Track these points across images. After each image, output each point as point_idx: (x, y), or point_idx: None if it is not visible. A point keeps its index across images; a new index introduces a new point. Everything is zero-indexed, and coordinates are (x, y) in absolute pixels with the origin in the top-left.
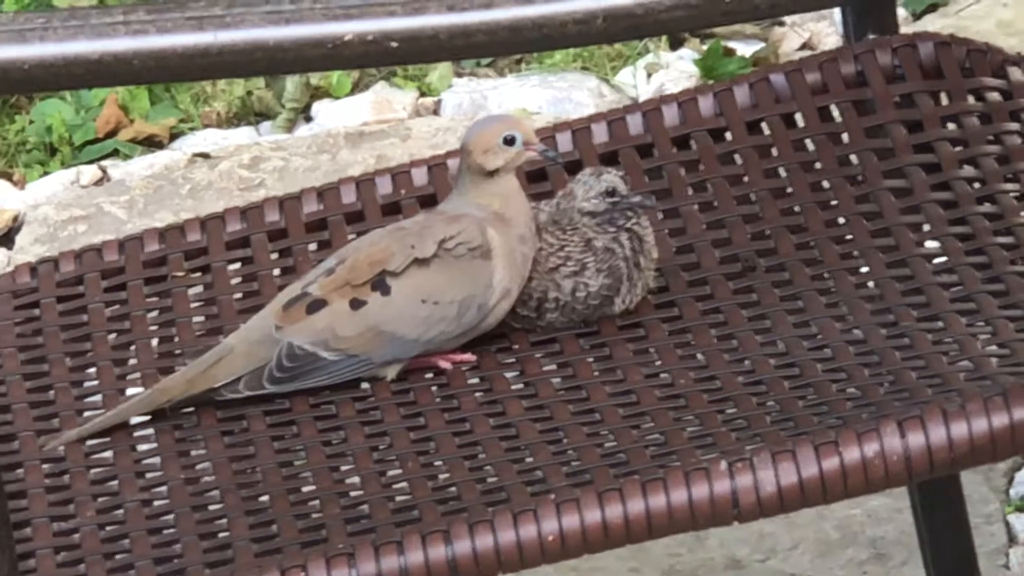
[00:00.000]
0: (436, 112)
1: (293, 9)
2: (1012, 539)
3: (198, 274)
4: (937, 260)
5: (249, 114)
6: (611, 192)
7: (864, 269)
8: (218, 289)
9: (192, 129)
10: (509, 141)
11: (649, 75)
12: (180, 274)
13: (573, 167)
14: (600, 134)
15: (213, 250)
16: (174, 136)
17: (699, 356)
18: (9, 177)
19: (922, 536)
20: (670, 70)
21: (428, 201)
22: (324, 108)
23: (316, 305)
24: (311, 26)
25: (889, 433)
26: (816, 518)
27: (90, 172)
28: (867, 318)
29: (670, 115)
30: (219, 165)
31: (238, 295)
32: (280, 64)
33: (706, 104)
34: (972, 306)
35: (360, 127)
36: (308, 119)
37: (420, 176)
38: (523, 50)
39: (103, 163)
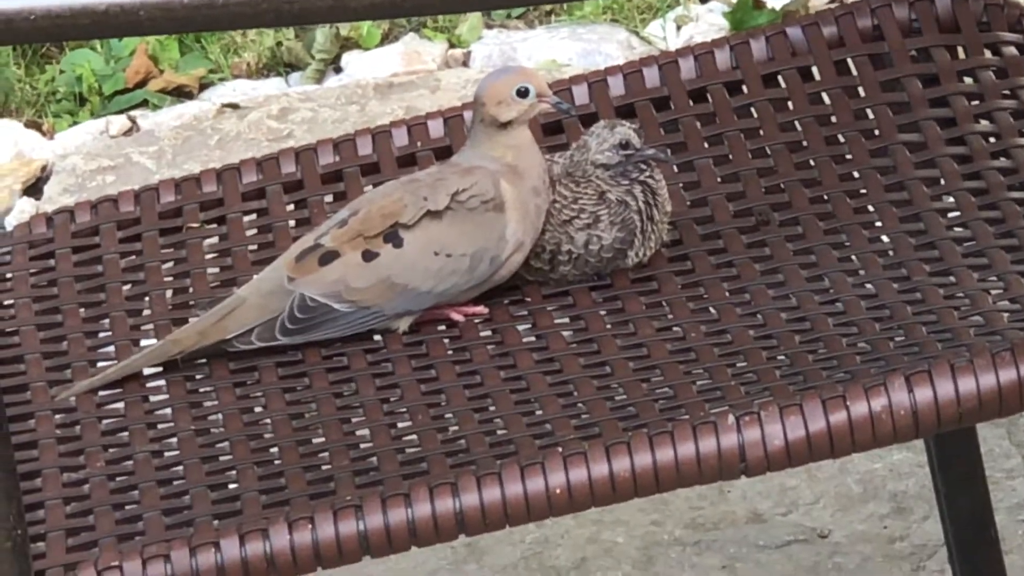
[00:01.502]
0: (466, 64)
1: None
2: None
3: (213, 225)
4: (951, 215)
5: (279, 65)
6: (625, 145)
7: (878, 223)
8: (233, 240)
9: (222, 80)
10: (522, 93)
11: (679, 27)
12: (195, 225)
13: (589, 120)
14: (616, 87)
15: (229, 201)
16: (204, 86)
17: (711, 310)
18: (38, 127)
19: (938, 490)
20: (700, 23)
21: (444, 153)
22: (354, 59)
23: (328, 257)
24: None
25: (896, 387)
26: (838, 472)
27: (119, 122)
28: (879, 272)
29: (686, 68)
30: (248, 116)
31: (253, 246)
32: (286, 16)
33: (723, 57)
34: (984, 261)
35: (389, 78)
36: (338, 70)
37: (436, 128)
38: (525, 3)
39: (132, 113)
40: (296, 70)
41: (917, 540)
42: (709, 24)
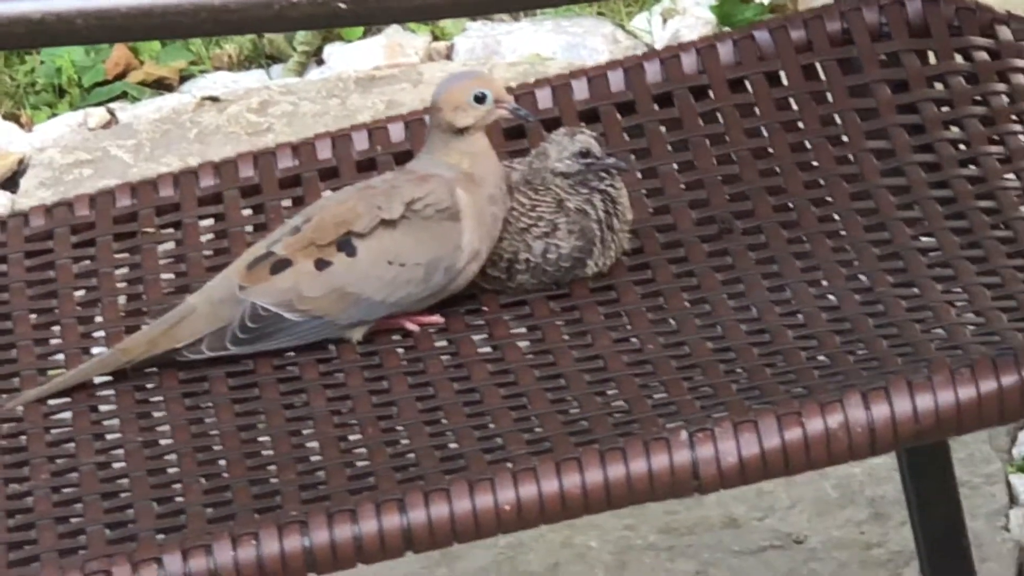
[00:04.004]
0: (448, 57)
1: None
2: (1013, 500)
3: (169, 230)
4: (917, 224)
5: (260, 57)
6: (585, 153)
7: (842, 232)
8: (188, 246)
9: (202, 72)
10: (479, 99)
11: (665, 21)
12: (150, 230)
13: (553, 124)
14: (580, 91)
15: (185, 206)
16: (184, 79)
17: (670, 321)
18: (16, 119)
19: (910, 499)
20: (686, 16)
21: (404, 157)
22: (336, 51)
23: (280, 265)
24: None
25: (853, 404)
26: (815, 477)
27: (98, 115)
28: (842, 283)
29: (652, 72)
30: (228, 109)
31: (208, 252)
32: (225, 25)
33: (689, 61)
34: (950, 272)
35: (371, 72)
36: (320, 62)
37: (397, 132)
38: (479, 11)
39: (111, 105)
40: (278, 62)
41: (894, 546)
42: (696, 17)
